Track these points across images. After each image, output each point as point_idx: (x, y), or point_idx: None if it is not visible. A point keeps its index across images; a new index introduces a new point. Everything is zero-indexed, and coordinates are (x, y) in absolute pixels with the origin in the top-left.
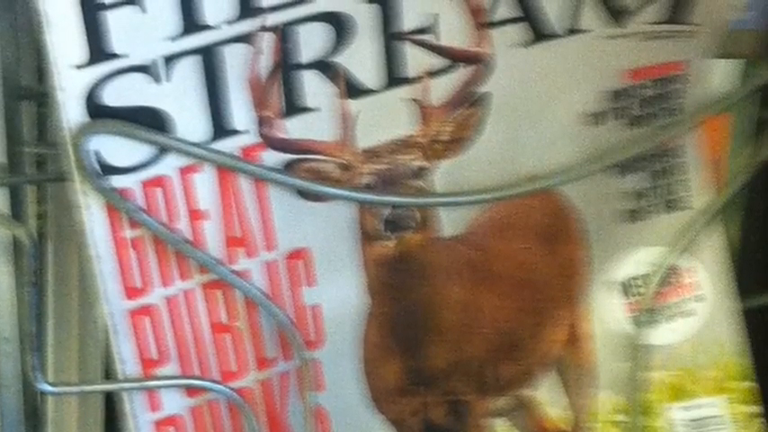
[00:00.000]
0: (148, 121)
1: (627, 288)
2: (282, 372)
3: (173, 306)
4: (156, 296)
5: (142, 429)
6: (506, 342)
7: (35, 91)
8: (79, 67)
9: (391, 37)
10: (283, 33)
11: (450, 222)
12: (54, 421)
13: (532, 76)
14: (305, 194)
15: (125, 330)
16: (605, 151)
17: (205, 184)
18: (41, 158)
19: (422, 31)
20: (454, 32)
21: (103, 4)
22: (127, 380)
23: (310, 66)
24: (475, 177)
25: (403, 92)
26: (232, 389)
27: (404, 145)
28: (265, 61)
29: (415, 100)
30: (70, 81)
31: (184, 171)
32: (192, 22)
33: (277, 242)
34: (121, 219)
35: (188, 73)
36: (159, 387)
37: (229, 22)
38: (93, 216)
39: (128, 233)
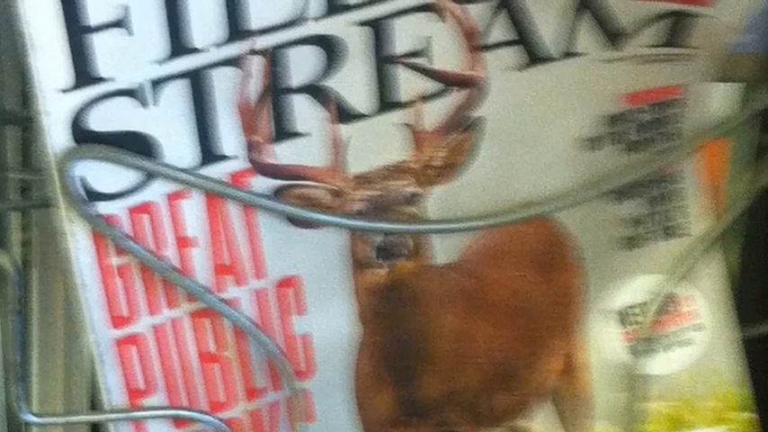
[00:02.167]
0: (135, 146)
1: (624, 317)
2: (272, 402)
3: (160, 335)
4: (143, 325)
5: None
6: (501, 372)
7: (19, 115)
8: (64, 91)
9: (383, 60)
10: (273, 57)
11: (443, 249)
12: None
13: (527, 100)
14: (295, 221)
15: (111, 360)
16: (602, 177)
17: (193, 210)
18: (26, 184)
19: (414, 54)
20: (447, 56)
21: (89, 27)
22: (113, 410)
23: (300, 90)
24: (469, 203)
25: (395, 116)
26: (221, 419)
27: (396, 170)
28: (254, 85)
29: (407, 125)
30: (55, 105)
31: (172, 197)
32: (179, 45)
33: (266, 270)
34: (108, 246)
35: (176, 97)
36: (146, 418)
37: (218, 45)
38: (78, 243)
39: (114, 261)
